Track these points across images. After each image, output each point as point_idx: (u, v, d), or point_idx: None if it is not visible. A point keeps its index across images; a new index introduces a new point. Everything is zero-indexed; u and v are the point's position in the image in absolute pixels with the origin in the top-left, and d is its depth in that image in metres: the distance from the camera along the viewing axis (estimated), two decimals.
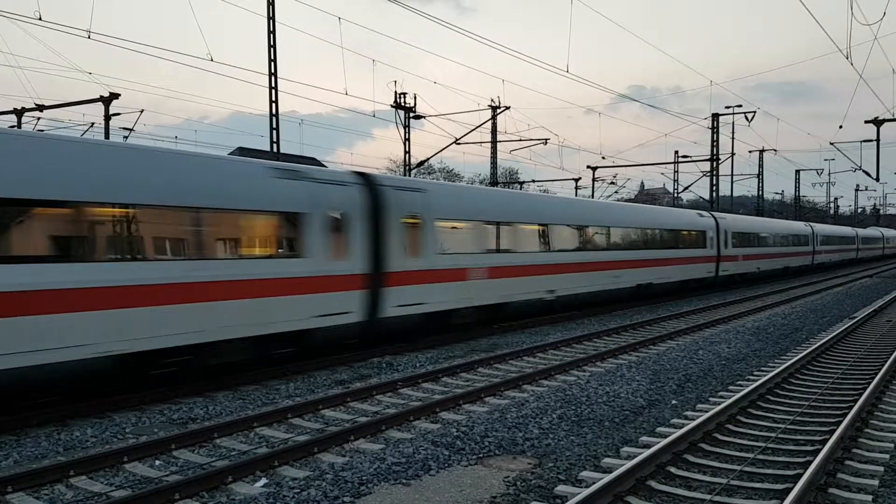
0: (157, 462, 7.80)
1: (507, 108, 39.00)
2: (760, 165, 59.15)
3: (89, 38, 18.35)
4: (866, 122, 34.81)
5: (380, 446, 8.23)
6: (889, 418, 9.32)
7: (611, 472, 6.94)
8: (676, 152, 50.19)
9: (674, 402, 10.55)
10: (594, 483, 6.53)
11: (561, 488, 6.81)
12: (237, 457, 7.91)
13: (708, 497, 6.49)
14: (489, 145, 41.97)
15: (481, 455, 7.89)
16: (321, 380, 12.15)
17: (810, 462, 7.12)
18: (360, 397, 10.68)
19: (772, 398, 10.42)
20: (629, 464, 6.84)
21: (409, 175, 34.02)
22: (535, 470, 7.39)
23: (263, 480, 7.12)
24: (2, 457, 7.90)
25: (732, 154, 49.51)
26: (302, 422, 9.47)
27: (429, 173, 60.06)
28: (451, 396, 10.34)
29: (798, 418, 9.31)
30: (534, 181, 54.89)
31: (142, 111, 29.47)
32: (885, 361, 12.79)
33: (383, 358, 14.06)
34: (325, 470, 7.35)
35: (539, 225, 19.45)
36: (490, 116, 39.35)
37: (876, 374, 11.68)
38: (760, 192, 59.88)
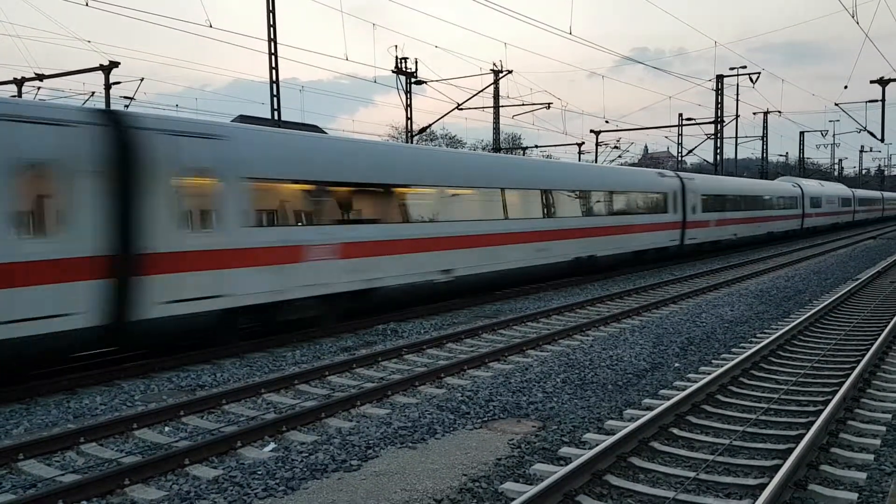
0: (167, 428, 7.90)
1: (510, 72, 38.47)
2: (765, 127, 58.67)
3: (87, 5, 18.18)
4: (872, 82, 34.53)
5: (386, 411, 8.33)
6: (891, 379, 9.38)
7: (614, 433, 7.03)
8: (680, 115, 49.81)
9: (677, 364, 10.63)
10: (597, 444, 6.61)
11: (565, 450, 6.90)
12: (245, 422, 8.01)
13: (710, 457, 6.57)
14: (491, 110, 41.60)
15: (486, 419, 7.98)
16: (327, 347, 12.24)
17: (812, 423, 7.19)
18: (366, 363, 10.78)
19: (774, 360, 10.48)
20: (632, 426, 6.91)
21: (412, 142, 33.85)
22: (539, 433, 7.47)
23: (272, 445, 7.22)
24: (13, 425, 8.01)
25: (737, 116, 49.01)
26: (309, 388, 9.57)
27: (431, 139, 59.73)
28: (456, 362, 10.42)
29: (801, 380, 9.37)
30: (536, 146, 54.55)
31: (142, 79, 29.24)
32: (888, 323, 12.84)
33: (388, 325, 14.14)
34: (332, 434, 7.45)
35: (747, 197, 34.11)
36: (492, 81, 38.97)
37: (878, 335, 11.73)
38: (765, 155, 59.49)
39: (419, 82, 32.86)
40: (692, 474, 6.18)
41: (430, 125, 36.43)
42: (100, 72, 28.51)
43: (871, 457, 6.62)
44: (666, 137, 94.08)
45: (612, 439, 6.54)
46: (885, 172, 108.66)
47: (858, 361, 9.92)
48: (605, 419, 7.94)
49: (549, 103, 38.37)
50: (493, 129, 42.37)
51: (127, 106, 29.18)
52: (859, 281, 19.57)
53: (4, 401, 8.86)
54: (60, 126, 9.19)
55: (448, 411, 8.19)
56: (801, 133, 72.45)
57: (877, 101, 36.44)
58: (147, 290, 10.06)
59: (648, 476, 6.25)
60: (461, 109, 34.32)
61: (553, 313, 15.32)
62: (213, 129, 11.43)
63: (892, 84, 34.06)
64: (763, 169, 58.70)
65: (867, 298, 16.78)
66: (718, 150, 43.96)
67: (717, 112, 42.98)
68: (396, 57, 31.89)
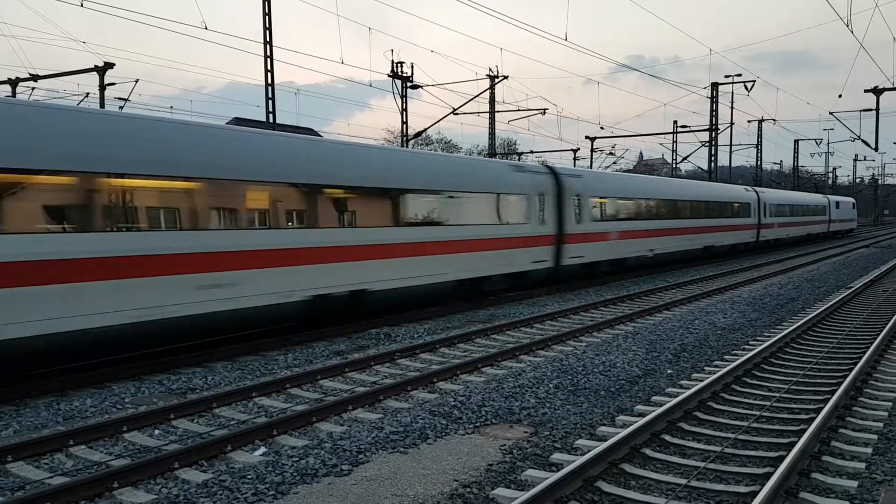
0: (157, 431, 7.86)
1: (506, 77, 38.48)
2: (759, 135, 58.91)
3: (82, 6, 18.15)
4: (866, 91, 34.59)
5: (378, 416, 8.30)
6: (884, 387, 9.39)
7: (606, 440, 7.01)
8: (675, 122, 49.95)
9: (669, 371, 10.62)
10: (589, 451, 6.60)
11: (556, 456, 6.88)
12: (236, 426, 7.97)
13: (702, 464, 6.56)
14: (487, 115, 41.66)
15: (478, 424, 7.96)
16: (319, 350, 12.21)
17: (804, 430, 7.19)
18: (359, 368, 10.74)
19: (767, 367, 10.49)
20: (624, 432, 6.90)
21: (407, 146, 33.85)
22: (531, 438, 7.46)
23: (262, 449, 7.18)
24: (2, 426, 7.96)
25: (732, 124, 49.25)
26: (300, 392, 9.53)
27: (426, 144, 59.69)
28: (449, 367, 10.40)
29: (793, 387, 9.38)
30: (532, 152, 54.60)
31: (137, 81, 29.20)
32: (881, 331, 12.86)
33: (381, 329, 14.11)
34: (323, 439, 7.42)
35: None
36: (488, 86, 39.02)
37: (871, 343, 11.75)
38: (759, 163, 59.72)
39: (415, 87, 32.86)
40: (684, 481, 6.17)
41: (425, 129, 36.41)
42: (95, 73, 28.46)
43: (863, 465, 6.62)
44: (661, 144, 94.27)
45: (603, 445, 6.53)
46: (879, 181, 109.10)
47: (851, 369, 9.94)
48: (597, 425, 7.93)
49: (544, 109, 38.48)
50: (489, 134, 42.43)
51: (121, 107, 29.14)
52: (852, 289, 19.62)
53: None
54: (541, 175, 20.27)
55: (440, 416, 8.17)
56: (796, 141, 72.88)
57: (871, 110, 36.57)
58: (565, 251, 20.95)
59: (640, 483, 6.24)
60: (457, 114, 34.36)
61: (547, 318, 15.32)
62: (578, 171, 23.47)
63: (886, 93, 34.16)
64: (757, 177, 58.91)
65: (860, 307, 16.82)
66: (713, 158, 44.11)
67: (711, 119, 43.15)
68: (392, 61, 31.88)
